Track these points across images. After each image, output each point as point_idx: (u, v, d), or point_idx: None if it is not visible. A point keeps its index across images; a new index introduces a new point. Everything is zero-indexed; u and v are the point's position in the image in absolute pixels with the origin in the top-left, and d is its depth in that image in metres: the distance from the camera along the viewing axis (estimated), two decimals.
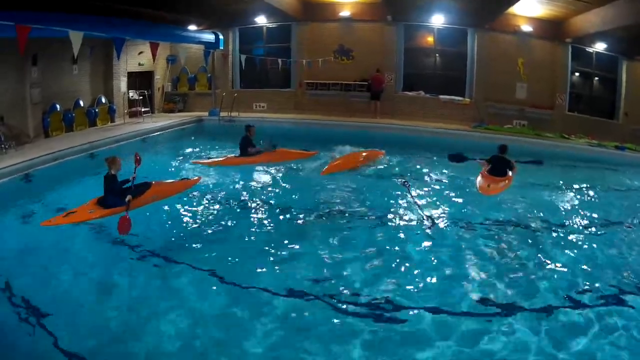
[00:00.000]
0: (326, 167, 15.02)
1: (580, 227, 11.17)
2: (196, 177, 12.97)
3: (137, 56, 23.69)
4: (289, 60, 25.81)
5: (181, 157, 17.05)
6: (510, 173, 13.61)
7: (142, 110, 23.18)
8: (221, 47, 24.76)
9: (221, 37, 24.44)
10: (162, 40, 20.79)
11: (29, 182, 13.48)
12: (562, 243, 10.07)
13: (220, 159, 15.98)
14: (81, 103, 20.15)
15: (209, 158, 16.41)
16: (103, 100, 21.47)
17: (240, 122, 22.67)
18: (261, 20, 25.68)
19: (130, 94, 23.31)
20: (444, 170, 15.59)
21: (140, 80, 24.45)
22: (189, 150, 18.13)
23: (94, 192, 10.83)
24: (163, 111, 25.84)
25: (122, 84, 22.87)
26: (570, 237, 10.49)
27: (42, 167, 14.46)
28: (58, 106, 18.78)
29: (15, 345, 6.40)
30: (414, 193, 12.62)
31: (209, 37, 23.70)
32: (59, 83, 19.12)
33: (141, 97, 23.37)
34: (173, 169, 15.37)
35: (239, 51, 26.15)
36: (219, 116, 23.63)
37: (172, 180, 12.79)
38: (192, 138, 20.44)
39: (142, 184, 11.07)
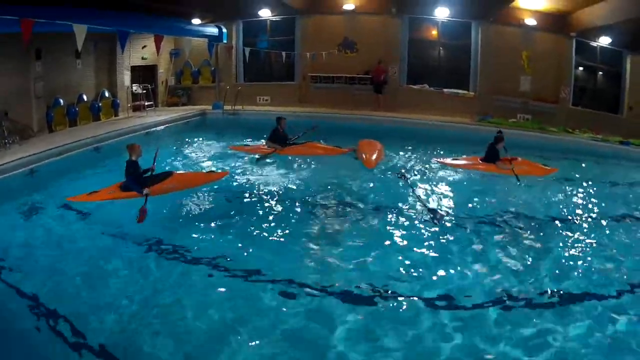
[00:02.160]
0: (365, 160, 15.08)
1: (584, 222, 11.14)
2: (224, 171, 12.98)
3: (141, 50, 23.67)
4: (293, 54, 25.73)
5: (209, 146, 17.91)
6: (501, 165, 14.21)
7: (146, 104, 23.15)
8: (225, 41, 24.71)
9: (225, 30, 24.33)
10: (167, 33, 20.74)
11: (33, 177, 13.53)
12: (566, 237, 10.08)
13: (254, 146, 16.70)
14: (85, 97, 20.16)
15: (245, 145, 17.00)
16: (106, 94, 21.47)
17: (244, 116, 22.93)
18: (265, 13, 25.61)
19: (134, 88, 23.28)
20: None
21: (144, 74, 24.40)
22: (194, 143, 18.28)
23: (100, 184, 11.28)
24: (167, 105, 25.78)
25: (126, 77, 22.81)
26: (573, 231, 10.48)
27: (47, 162, 14.47)
28: (62, 100, 18.83)
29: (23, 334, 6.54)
30: (415, 186, 12.68)
31: (212, 30, 23.59)
32: (62, 77, 19.11)
33: (144, 91, 23.34)
34: (205, 158, 15.93)
35: (243, 44, 26.19)
36: (223, 109, 23.62)
37: (195, 172, 12.99)
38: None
39: (162, 173, 11.48)
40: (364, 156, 15.20)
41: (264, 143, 16.37)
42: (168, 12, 21.53)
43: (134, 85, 23.30)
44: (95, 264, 8.31)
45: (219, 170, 13.28)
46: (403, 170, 14.19)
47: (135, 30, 18.74)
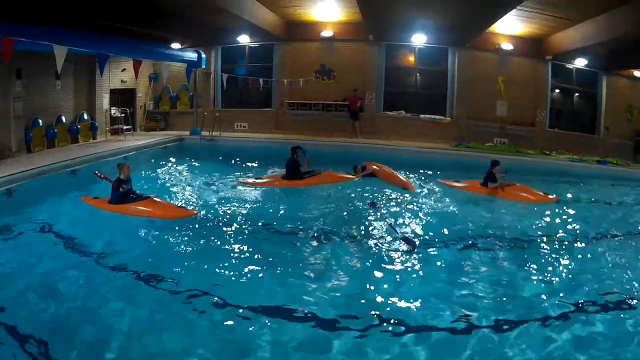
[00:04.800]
0: (407, 184, 15.25)
1: (564, 241, 11.15)
2: (193, 211, 12.06)
3: (120, 73, 23.58)
4: (270, 80, 25.84)
5: (184, 173, 17.46)
6: (492, 185, 14.45)
7: (124, 128, 22.92)
8: (204, 66, 24.80)
9: (204, 55, 24.44)
10: (145, 57, 20.71)
11: (10, 197, 13.25)
12: (548, 258, 10.02)
13: (266, 180, 15.74)
14: (63, 119, 19.94)
15: (256, 178, 15.97)
16: (85, 116, 21.26)
17: (221, 142, 22.81)
18: (244, 39, 25.66)
19: (113, 111, 23.10)
20: (422, 190, 15.48)
21: (123, 97, 24.22)
22: (170, 169, 17.99)
23: (77, 206, 12.09)
24: (145, 129, 25.61)
25: (105, 100, 22.68)
26: (556, 251, 10.47)
27: (24, 182, 14.20)
28: (40, 121, 18.59)
29: None
30: (387, 214, 12.39)
31: (191, 55, 23.68)
32: (42, 98, 18.93)
33: (123, 115, 23.11)
34: (179, 185, 15.38)
35: (222, 70, 26.28)
36: (200, 136, 23.44)
37: (169, 203, 12.49)
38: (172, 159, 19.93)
39: (140, 195, 12.02)
40: (407, 181, 15.51)
41: (281, 176, 15.61)
42: (148, 36, 21.54)
43: (112, 108, 23.13)
44: (67, 286, 8.05)
45: (190, 208, 12.35)
46: (374, 201, 13.75)
47: (114, 54, 18.68)
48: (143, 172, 16.75)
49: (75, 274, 8.53)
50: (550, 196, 14.46)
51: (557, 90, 24.81)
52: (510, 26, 22.23)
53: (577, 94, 25.18)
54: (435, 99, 25.36)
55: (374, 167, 16.14)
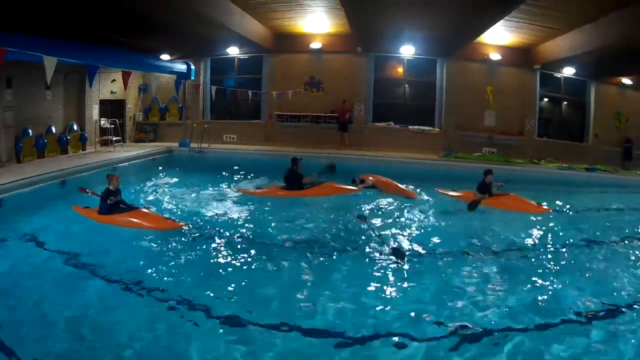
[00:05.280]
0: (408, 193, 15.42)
1: (558, 249, 11.12)
2: (181, 223, 11.85)
3: (110, 84, 23.51)
4: (259, 92, 25.87)
5: (173, 185, 16.98)
6: (476, 194, 14.42)
7: (113, 139, 22.80)
8: (192, 78, 24.69)
9: (193, 67, 24.36)
10: (134, 68, 20.64)
11: (0, 207, 13.06)
12: (535, 266, 9.97)
13: (266, 190, 15.63)
14: (53, 129, 19.80)
15: (256, 188, 15.93)
16: (75, 127, 21.11)
17: (210, 154, 22.74)
18: (233, 51, 25.69)
19: (102, 122, 23.01)
20: (420, 199, 15.45)
21: (112, 108, 24.12)
22: (159, 181, 17.72)
23: (67, 217, 12.07)
24: (134, 141, 25.55)
25: (94, 111, 22.56)
26: (543, 260, 10.43)
27: (14, 193, 14.03)
28: (30, 131, 18.47)
29: None
30: (376, 226, 12.31)
31: (181, 67, 23.62)
32: (32, 108, 18.83)
33: (112, 126, 23.04)
34: (167, 198, 15.01)
35: (211, 81, 26.33)
36: (189, 147, 23.37)
37: (157, 215, 12.28)
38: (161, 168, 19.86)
39: (129, 206, 11.97)
40: (407, 189, 15.64)
41: (279, 186, 15.50)
42: (137, 47, 21.51)
43: (102, 119, 23.02)
44: (54, 295, 7.98)
45: (177, 220, 12.14)
46: (360, 214, 13.50)
47: (104, 64, 18.66)
48: (132, 183, 16.54)
49: (62, 283, 8.47)
50: (543, 206, 14.43)
51: (545, 99, 25.17)
52: (499, 36, 22.43)
53: (565, 103, 25.50)
54: (424, 109, 25.54)
55: (371, 178, 16.15)
